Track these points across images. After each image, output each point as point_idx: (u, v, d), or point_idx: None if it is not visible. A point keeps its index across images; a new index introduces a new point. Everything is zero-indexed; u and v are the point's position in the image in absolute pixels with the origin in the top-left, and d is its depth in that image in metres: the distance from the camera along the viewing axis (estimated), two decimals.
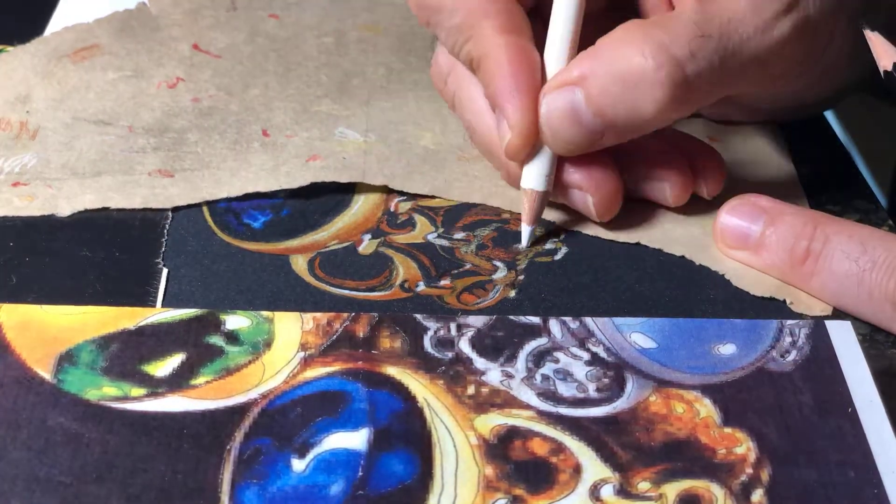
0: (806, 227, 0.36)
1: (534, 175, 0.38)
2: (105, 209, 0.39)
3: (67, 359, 0.33)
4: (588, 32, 0.37)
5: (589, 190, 0.38)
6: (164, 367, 0.33)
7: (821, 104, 0.44)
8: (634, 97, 0.35)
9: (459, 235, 0.39)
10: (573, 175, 0.38)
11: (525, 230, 0.38)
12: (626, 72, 0.35)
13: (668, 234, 0.39)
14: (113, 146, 0.42)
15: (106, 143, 0.42)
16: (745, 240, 0.37)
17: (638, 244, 0.39)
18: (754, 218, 0.37)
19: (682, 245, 0.39)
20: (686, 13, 0.35)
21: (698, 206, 0.40)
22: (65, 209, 0.39)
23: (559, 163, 0.38)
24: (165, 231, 0.39)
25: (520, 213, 0.39)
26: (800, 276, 0.36)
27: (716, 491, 0.30)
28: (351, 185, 0.41)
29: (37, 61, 0.47)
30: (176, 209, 0.40)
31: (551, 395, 0.32)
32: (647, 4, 0.39)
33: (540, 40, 0.38)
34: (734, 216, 0.37)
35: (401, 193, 0.41)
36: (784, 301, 0.36)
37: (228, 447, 0.31)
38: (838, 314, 0.36)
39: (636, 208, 0.39)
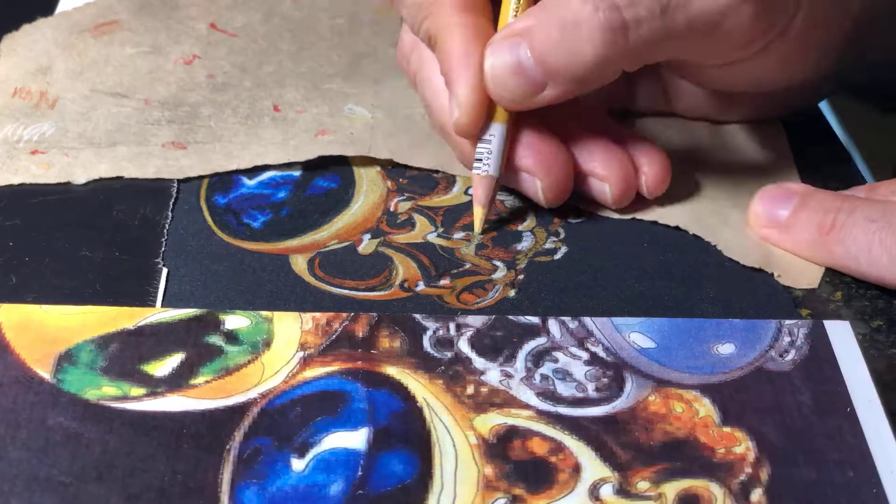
0: (835, 202, 0.37)
1: (483, 159, 0.38)
2: (118, 178, 0.41)
3: (67, 358, 0.33)
4: None
5: (538, 174, 0.38)
6: (163, 367, 0.33)
7: (800, 100, 0.44)
8: (573, 41, 0.35)
9: (459, 235, 0.39)
10: (524, 160, 0.38)
11: (477, 213, 0.38)
12: (565, 16, 0.35)
13: (662, 208, 0.40)
14: (129, 118, 0.44)
15: (122, 115, 0.44)
16: (776, 219, 0.38)
17: (633, 219, 0.40)
18: (787, 201, 0.38)
19: (677, 217, 0.39)
20: None
21: (693, 180, 0.40)
22: (80, 177, 0.41)
23: (511, 148, 0.38)
24: (165, 231, 0.39)
25: (517, 211, 0.39)
26: (826, 246, 0.37)
27: (715, 490, 0.30)
28: (351, 182, 0.41)
29: (58, 34, 0.49)
30: (176, 208, 0.40)
31: (550, 395, 0.32)
32: None
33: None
34: (767, 198, 0.38)
35: (401, 193, 0.41)
36: (772, 274, 0.37)
37: (228, 447, 0.31)
38: (817, 292, 0.36)
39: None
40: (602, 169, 0.39)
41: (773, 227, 0.38)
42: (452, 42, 0.37)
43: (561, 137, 0.39)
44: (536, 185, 0.38)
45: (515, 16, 0.38)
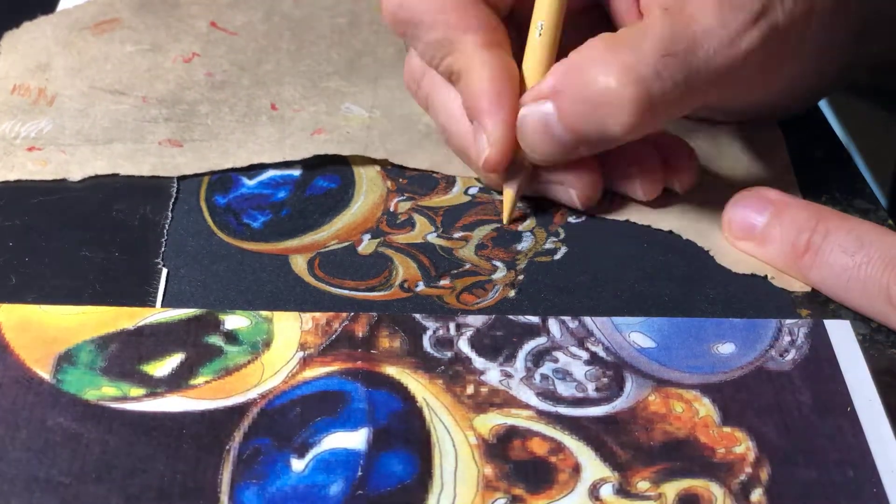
0: (809, 221, 0.36)
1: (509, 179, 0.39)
2: (114, 175, 0.41)
3: (67, 359, 0.33)
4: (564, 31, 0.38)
5: (571, 184, 0.39)
6: (163, 367, 0.33)
7: (802, 102, 0.44)
8: (601, 117, 0.35)
9: (458, 235, 0.39)
10: (554, 171, 0.38)
11: (506, 202, 0.39)
12: (593, 92, 0.35)
13: (656, 211, 0.40)
14: (126, 115, 0.44)
15: (120, 112, 0.44)
16: (751, 231, 0.38)
17: (627, 221, 0.39)
18: (761, 209, 0.37)
19: (670, 221, 0.39)
20: (653, 28, 0.35)
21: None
22: (76, 174, 0.41)
23: None
24: (165, 231, 0.39)
25: (517, 211, 0.39)
26: (799, 269, 0.36)
27: (715, 490, 0.30)
28: (351, 182, 0.41)
29: (58, 32, 0.49)
30: (176, 208, 0.40)
31: (550, 395, 0.32)
32: (618, 7, 0.39)
33: (516, 48, 0.38)
34: (741, 207, 0.38)
35: (401, 193, 0.41)
36: (766, 277, 0.37)
37: (228, 447, 0.31)
38: (816, 294, 0.36)
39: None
40: (633, 166, 0.39)
41: (749, 238, 0.38)
42: (481, 81, 0.37)
43: None
44: (570, 193, 0.39)
45: (542, 65, 0.38)
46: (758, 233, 0.37)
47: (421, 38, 0.38)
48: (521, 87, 0.38)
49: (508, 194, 0.39)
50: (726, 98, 0.38)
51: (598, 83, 0.35)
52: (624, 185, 0.40)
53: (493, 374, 0.33)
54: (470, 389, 0.32)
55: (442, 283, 0.37)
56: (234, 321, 0.34)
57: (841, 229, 0.35)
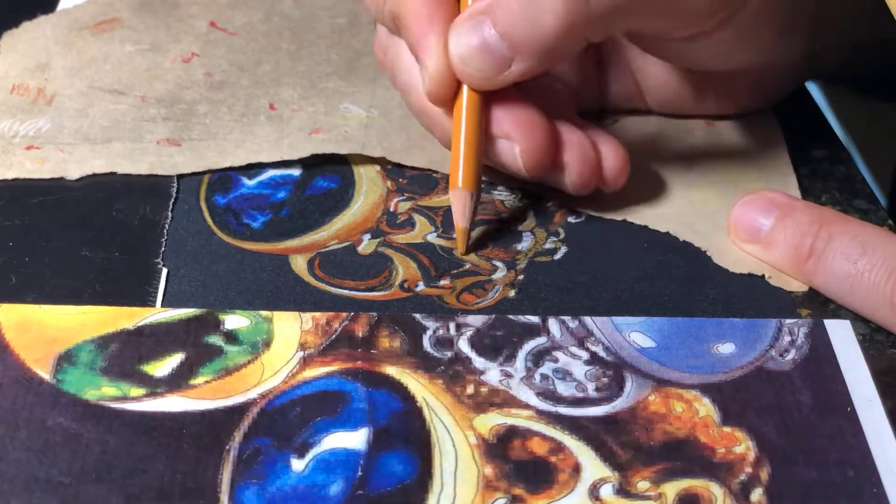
0: (812, 226, 0.36)
1: (462, 176, 0.37)
2: (112, 174, 0.41)
3: (66, 359, 0.33)
4: None
5: (516, 138, 0.37)
6: (163, 367, 0.33)
7: (778, 81, 0.44)
8: (536, 11, 0.35)
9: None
10: (501, 124, 0.37)
11: (458, 231, 0.38)
12: None
13: (654, 211, 0.40)
14: (125, 115, 0.44)
15: (118, 112, 0.44)
16: (757, 234, 0.37)
17: (624, 221, 0.39)
18: (766, 213, 0.37)
19: (668, 221, 0.39)
20: None
21: (686, 183, 0.40)
22: (74, 173, 0.41)
23: (490, 114, 0.38)
24: (165, 231, 0.39)
25: (517, 211, 0.39)
26: (803, 274, 0.36)
27: (715, 490, 0.30)
28: (351, 182, 0.41)
29: (58, 31, 0.49)
30: (176, 208, 0.40)
31: (550, 395, 0.32)
32: None
33: None
34: (747, 209, 0.38)
35: (401, 193, 0.41)
36: (763, 276, 0.37)
37: (228, 447, 0.31)
38: (816, 292, 0.36)
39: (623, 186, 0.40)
40: (566, 153, 0.38)
41: (754, 241, 0.38)
42: (415, 15, 0.37)
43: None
44: (514, 150, 0.37)
45: None
46: (763, 236, 0.37)
47: None
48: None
49: (459, 228, 0.38)
50: (666, 26, 0.38)
51: None
52: (554, 174, 0.39)
53: (493, 373, 0.33)
54: (470, 389, 0.32)
55: (442, 283, 0.37)
56: (234, 321, 0.34)
57: (844, 235, 0.35)
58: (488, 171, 0.40)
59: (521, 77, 0.37)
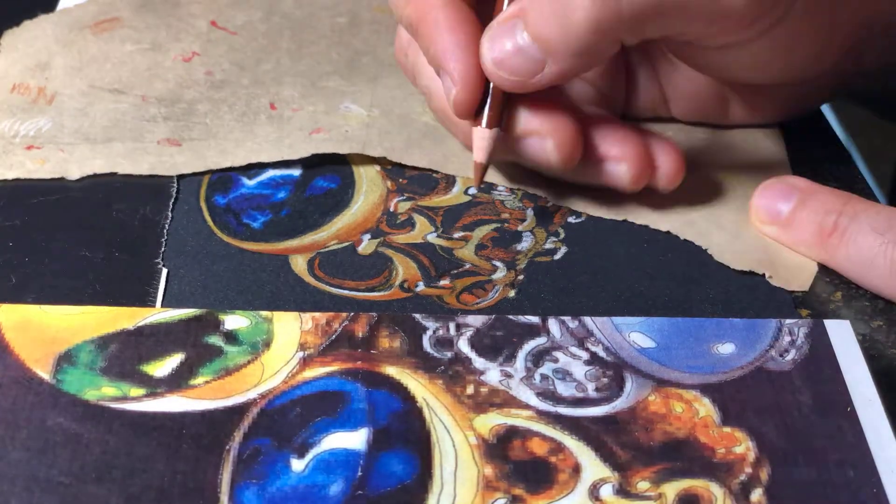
0: (836, 203, 0.37)
1: (484, 115, 0.37)
2: (112, 174, 0.41)
3: (66, 359, 0.33)
4: None
5: (548, 133, 0.37)
6: (163, 368, 0.33)
7: (804, 97, 0.44)
8: (564, 9, 0.35)
9: (458, 235, 0.39)
10: (531, 120, 0.37)
11: (477, 168, 0.38)
12: None
13: (654, 211, 0.40)
14: (125, 114, 0.44)
15: (119, 111, 0.44)
16: (777, 215, 0.38)
17: (624, 221, 0.40)
18: (787, 197, 0.38)
19: (668, 221, 0.39)
20: None
21: (686, 183, 0.40)
22: (74, 173, 0.41)
23: (516, 111, 0.37)
24: (165, 231, 0.39)
25: (517, 211, 0.39)
26: (826, 250, 0.37)
27: (715, 490, 0.30)
28: (351, 182, 0.41)
29: (58, 31, 0.49)
30: (176, 208, 0.40)
31: (550, 395, 0.32)
32: None
33: (485, 7, 0.38)
34: (768, 194, 0.38)
35: (400, 193, 0.41)
36: (763, 275, 0.37)
37: (228, 447, 0.31)
38: (816, 292, 0.36)
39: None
40: (617, 149, 0.38)
41: (774, 223, 0.38)
42: (436, 24, 0.37)
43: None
44: (545, 146, 0.37)
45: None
46: (784, 217, 0.38)
47: None
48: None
49: (477, 164, 0.38)
50: (702, 33, 0.37)
51: None
52: (610, 170, 0.38)
53: (493, 374, 0.33)
54: (470, 389, 0.32)
55: (442, 283, 0.37)
56: (234, 321, 0.34)
57: (871, 209, 0.36)
58: (489, 173, 0.40)
59: (554, 80, 0.36)
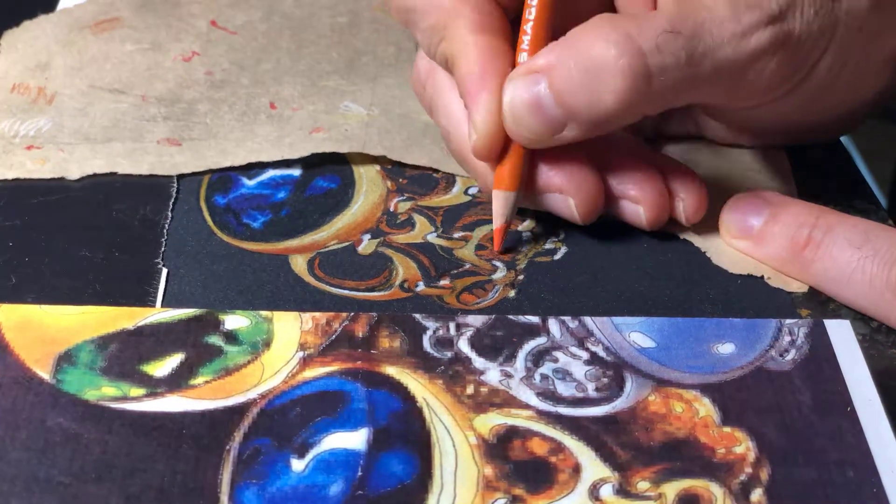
0: (809, 217, 0.36)
1: (504, 177, 0.37)
2: (112, 174, 0.41)
3: (66, 359, 0.33)
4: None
5: (570, 192, 0.37)
6: (163, 367, 0.33)
7: (834, 127, 0.43)
8: (595, 85, 0.34)
9: (458, 235, 0.39)
10: (553, 178, 0.37)
11: (498, 233, 0.38)
12: (588, 59, 0.34)
13: None
14: (125, 114, 0.44)
15: (119, 111, 0.44)
16: (748, 230, 0.37)
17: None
18: (759, 210, 0.37)
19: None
20: (661, 10, 0.35)
21: None
22: (74, 173, 0.41)
23: (537, 168, 0.37)
24: (165, 231, 0.39)
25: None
26: (800, 264, 0.36)
27: (715, 490, 0.30)
28: (351, 182, 0.41)
29: (58, 31, 0.49)
30: (176, 208, 0.40)
31: (550, 395, 0.32)
32: (629, 4, 0.38)
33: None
34: (738, 210, 0.38)
35: (400, 193, 0.41)
36: (762, 277, 0.37)
37: (228, 447, 0.31)
38: (816, 292, 0.36)
39: None
40: (635, 191, 0.38)
41: (745, 237, 0.37)
42: (468, 63, 0.36)
43: (589, 158, 0.37)
44: (569, 203, 0.37)
45: (529, 47, 0.37)
46: (756, 232, 0.37)
47: (419, 26, 0.38)
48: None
49: (496, 230, 0.38)
50: (736, 101, 0.37)
51: (594, 50, 0.34)
52: (626, 210, 0.38)
53: (493, 374, 0.33)
54: (470, 389, 0.32)
55: (442, 283, 0.37)
56: (234, 321, 0.34)
57: (845, 223, 0.35)
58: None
59: (572, 141, 0.36)
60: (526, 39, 0.37)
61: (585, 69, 0.34)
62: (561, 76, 0.34)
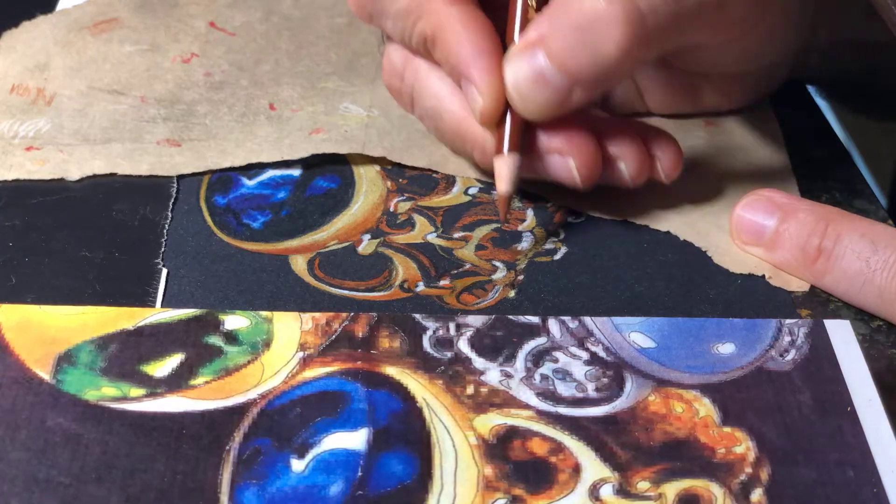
0: (818, 224, 0.36)
1: (507, 140, 0.37)
2: (112, 174, 0.41)
3: (66, 359, 0.33)
4: None
5: (570, 153, 0.37)
6: (162, 368, 0.33)
7: (767, 78, 0.45)
8: (594, 41, 0.34)
9: (458, 235, 0.39)
10: (552, 140, 0.37)
11: (502, 200, 0.38)
12: (581, 17, 0.34)
13: (655, 211, 0.40)
14: (125, 115, 0.44)
15: (118, 112, 0.44)
16: (760, 236, 0.37)
17: (624, 221, 0.40)
18: (769, 214, 0.37)
19: (668, 221, 0.39)
20: None
21: (686, 183, 0.40)
22: (74, 174, 0.41)
23: (536, 132, 0.37)
24: (165, 231, 0.39)
25: (517, 211, 0.39)
26: (812, 274, 0.36)
27: (715, 490, 0.30)
28: (351, 182, 0.41)
29: (57, 32, 0.49)
30: (176, 208, 0.40)
31: (550, 395, 0.32)
32: None
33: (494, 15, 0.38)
34: (749, 211, 0.38)
35: (400, 193, 0.41)
36: (763, 276, 0.37)
37: (228, 447, 0.31)
38: (816, 292, 0.36)
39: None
40: (616, 147, 0.38)
41: (756, 242, 0.38)
42: (456, 33, 0.36)
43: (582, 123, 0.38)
44: (569, 164, 0.37)
45: (522, 20, 0.37)
46: (767, 238, 0.37)
47: (388, 13, 0.38)
48: (504, 44, 0.37)
49: (502, 197, 0.38)
50: (716, 34, 0.38)
51: (584, 6, 0.34)
52: (609, 169, 0.38)
53: (493, 374, 0.33)
54: (470, 389, 0.32)
55: (442, 283, 0.37)
56: (234, 321, 0.34)
57: (853, 232, 0.35)
58: (490, 174, 0.40)
59: (581, 105, 0.36)
60: (516, 17, 0.37)
61: (580, 26, 0.34)
62: (557, 42, 0.35)
